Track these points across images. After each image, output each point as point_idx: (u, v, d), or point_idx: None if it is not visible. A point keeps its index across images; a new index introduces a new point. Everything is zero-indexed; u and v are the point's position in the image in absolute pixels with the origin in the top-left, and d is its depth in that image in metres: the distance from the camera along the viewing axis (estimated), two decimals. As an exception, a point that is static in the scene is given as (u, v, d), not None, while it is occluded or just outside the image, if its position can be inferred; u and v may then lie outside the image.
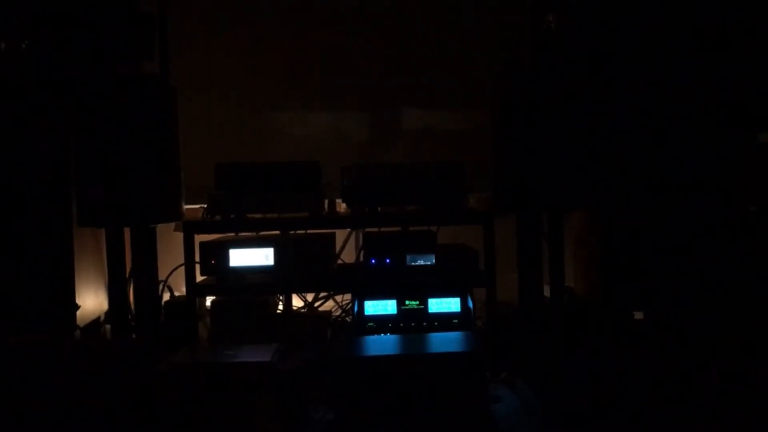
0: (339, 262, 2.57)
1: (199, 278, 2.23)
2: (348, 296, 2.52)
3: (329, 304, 2.60)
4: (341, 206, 2.39)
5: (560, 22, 2.11)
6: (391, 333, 2.14)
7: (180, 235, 2.23)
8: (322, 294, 2.58)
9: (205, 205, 2.28)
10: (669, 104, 2.08)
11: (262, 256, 2.20)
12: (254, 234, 2.41)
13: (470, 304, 2.17)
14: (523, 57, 2.16)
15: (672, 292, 2.09)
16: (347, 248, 2.70)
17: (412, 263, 2.21)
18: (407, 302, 2.17)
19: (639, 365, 1.96)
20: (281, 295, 2.49)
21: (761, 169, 2.09)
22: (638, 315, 2.20)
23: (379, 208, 2.29)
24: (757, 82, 2.08)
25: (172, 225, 2.34)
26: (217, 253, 2.19)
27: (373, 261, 2.22)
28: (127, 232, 2.13)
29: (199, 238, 2.22)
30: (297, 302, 2.59)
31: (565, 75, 2.07)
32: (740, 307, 2.05)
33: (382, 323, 2.16)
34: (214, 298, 2.28)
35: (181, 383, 1.68)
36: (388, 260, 2.21)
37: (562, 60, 2.09)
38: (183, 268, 2.21)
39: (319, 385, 1.82)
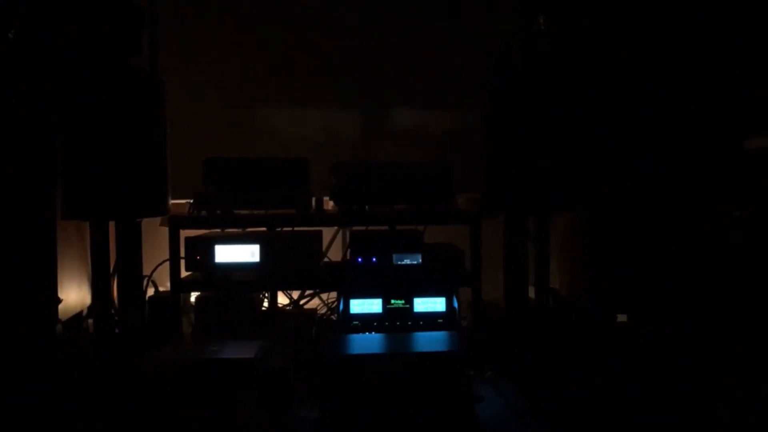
0: (325, 260, 2.56)
1: (184, 274, 2.22)
2: (334, 294, 2.52)
3: (315, 302, 2.60)
4: (329, 204, 2.38)
5: (550, 24, 2.12)
6: (377, 332, 2.14)
7: (165, 230, 2.21)
8: (308, 292, 2.57)
9: (192, 200, 2.26)
10: (658, 109, 2.10)
11: (248, 253, 2.19)
12: (241, 230, 2.40)
13: (455, 304, 2.18)
14: (513, 59, 2.17)
15: (657, 295, 2.11)
16: (334, 246, 2.70)
17: (399, 262, 2.21)
18: (393, 301, 2.17)
19: (623, 366, 1.97)
20: (267, 292, 2.48)
21: (748, 176, 2.11)
22: (621, 317, 2.21)
23: (367, 207, 2.29)
24: (745, 88, 2.10)
25: (158, 219, 2.32)
26: (202, 249, 2.18)
27: (360, 259, 2.22)
28: (111, 226, 2.11)
29: (184, 233, 2.21)
30: (282, 299, 2.58)
31: (554, 78, 2.08)
32: (725, 309, 2.07)
33: (367, 322, 2.16)
34: (198, 294, 2.27)
35: (165, 379, 1.67)
36: (374, 259, 2.21)
37: (551, 63, 2.10)
38: (168, 263, 2.20)
39: (303, 382, 1.82)
